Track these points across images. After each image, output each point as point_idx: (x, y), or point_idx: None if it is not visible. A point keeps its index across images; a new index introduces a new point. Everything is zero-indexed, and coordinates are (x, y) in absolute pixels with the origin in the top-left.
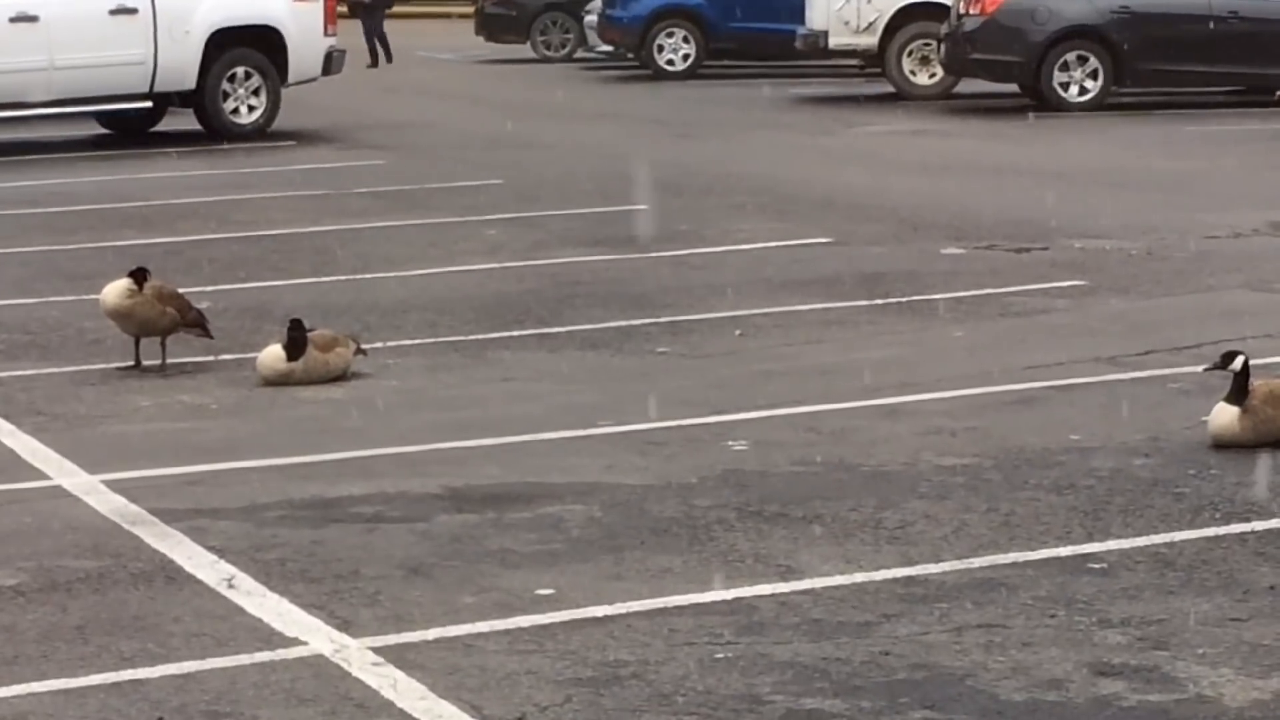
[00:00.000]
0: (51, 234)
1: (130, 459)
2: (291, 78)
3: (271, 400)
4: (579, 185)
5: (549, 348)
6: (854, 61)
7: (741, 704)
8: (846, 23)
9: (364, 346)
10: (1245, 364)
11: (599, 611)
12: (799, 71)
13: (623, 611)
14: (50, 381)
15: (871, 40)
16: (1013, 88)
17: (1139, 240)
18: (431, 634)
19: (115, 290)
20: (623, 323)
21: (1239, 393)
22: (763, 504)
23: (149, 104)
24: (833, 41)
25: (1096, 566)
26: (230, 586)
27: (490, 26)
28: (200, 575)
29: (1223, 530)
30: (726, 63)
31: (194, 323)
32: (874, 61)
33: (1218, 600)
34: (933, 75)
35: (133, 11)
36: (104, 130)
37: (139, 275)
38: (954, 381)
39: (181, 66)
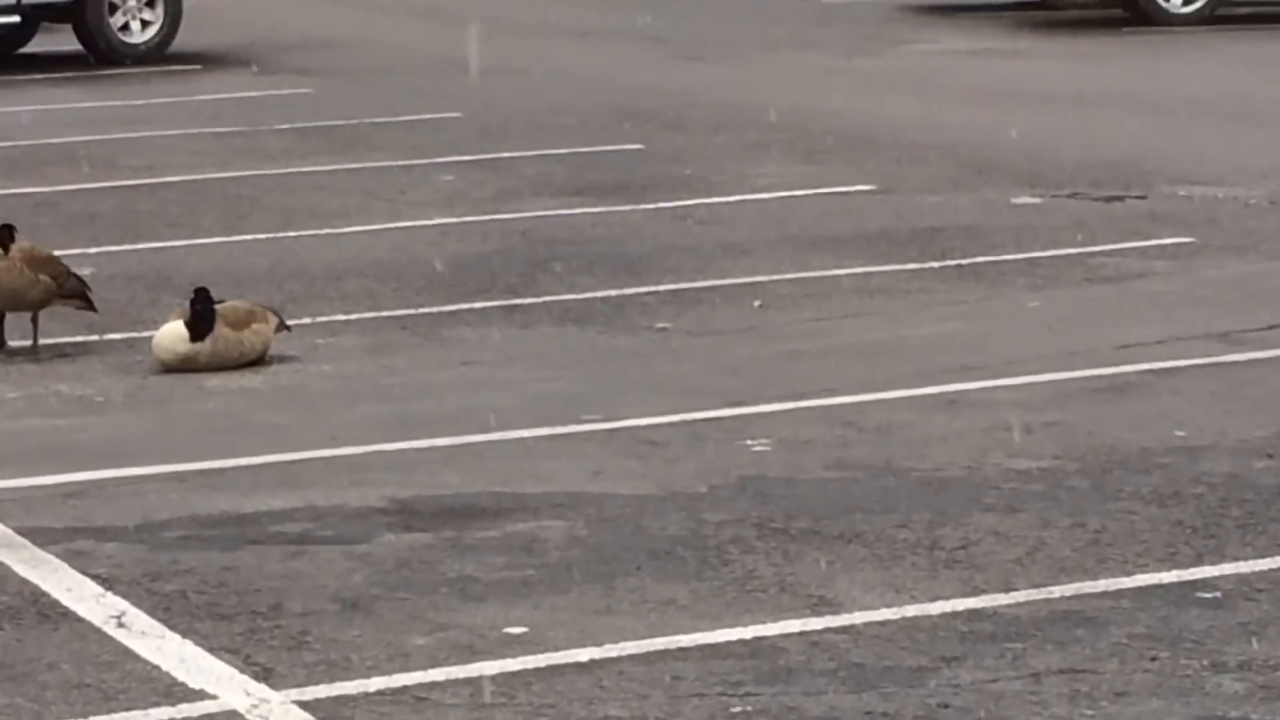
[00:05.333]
0: None
1: None
2: None
3: (171, 390)
4: (557, 119)
5: (520, 323)
6: None
7: None
8: None
9: (288, 322)
10: None
11: (584, 655)
12: None
13: (614, 655)
14: None
15: None
16: None
17: (1259, 186)
18: (373, 684)
19: None
20: (613, 292)
21: None
22: (789, 519)
23: (16, 19)
24: None
25: (1208, 596)
26: (120, 625)
27: None
28: (82, 611)
29: None
30: None
31: (73, 293)
32: None
33: None
34: None
35: None
36: None
37: (4, 234)
38: (1029, 364)
39: None
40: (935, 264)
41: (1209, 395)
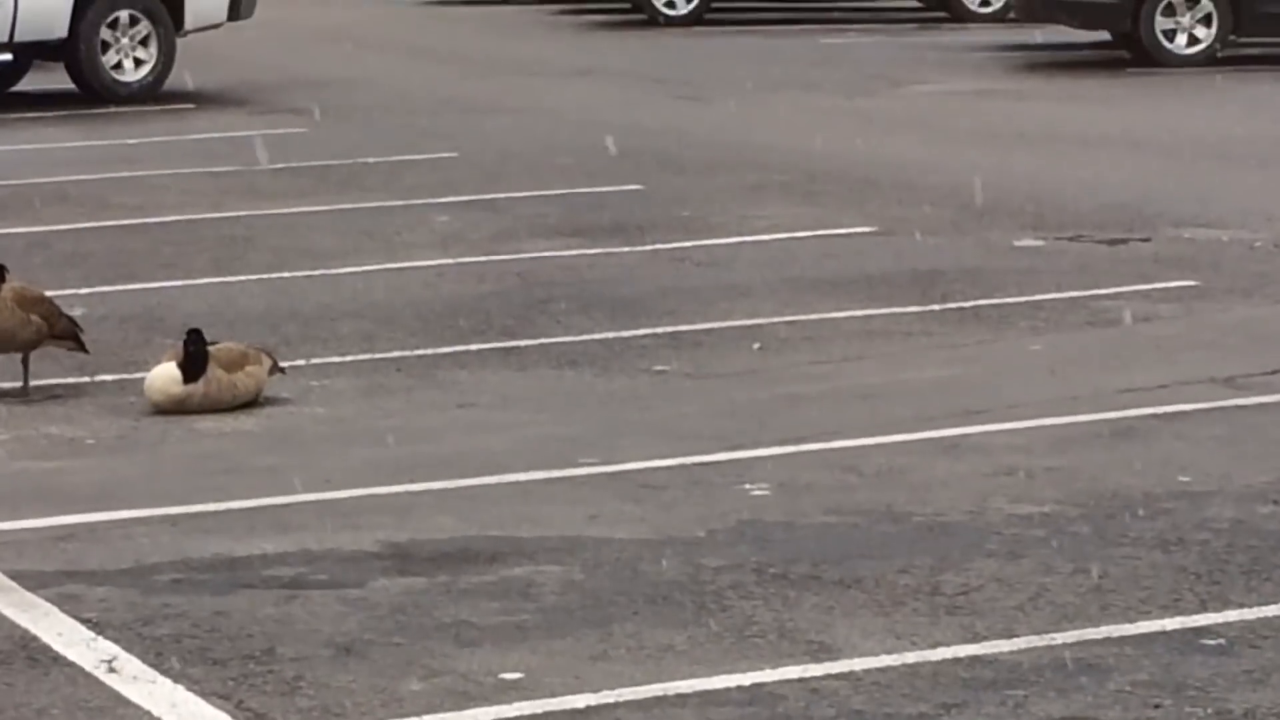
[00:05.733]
0: None
1: None
2: (189, 23)
3: (163, 433)
4: (554, 159)
5: (516, 366)
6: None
7: None
8: None
9: (281, 364)
10: None
11: (580, 701)
12: (833, 16)
13: (611, 701)
14: None
15: None
16: (1104, 36)
17: (1264, 230)
18: None
19: None
20: (610, 334)
21: None
22: (788, 564)
23: (8, 57)
24: None
25: (1212, 643)
26: (111, 670)
27: None
28: (73, 656)
29: None
30: (741, 4)
31: (64, 334)
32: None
33: None
34: None
35: None
36: None
37: None
38: (1031, 408)
39: (49, 10)
40: (936, 307)
41: (1213, 440)
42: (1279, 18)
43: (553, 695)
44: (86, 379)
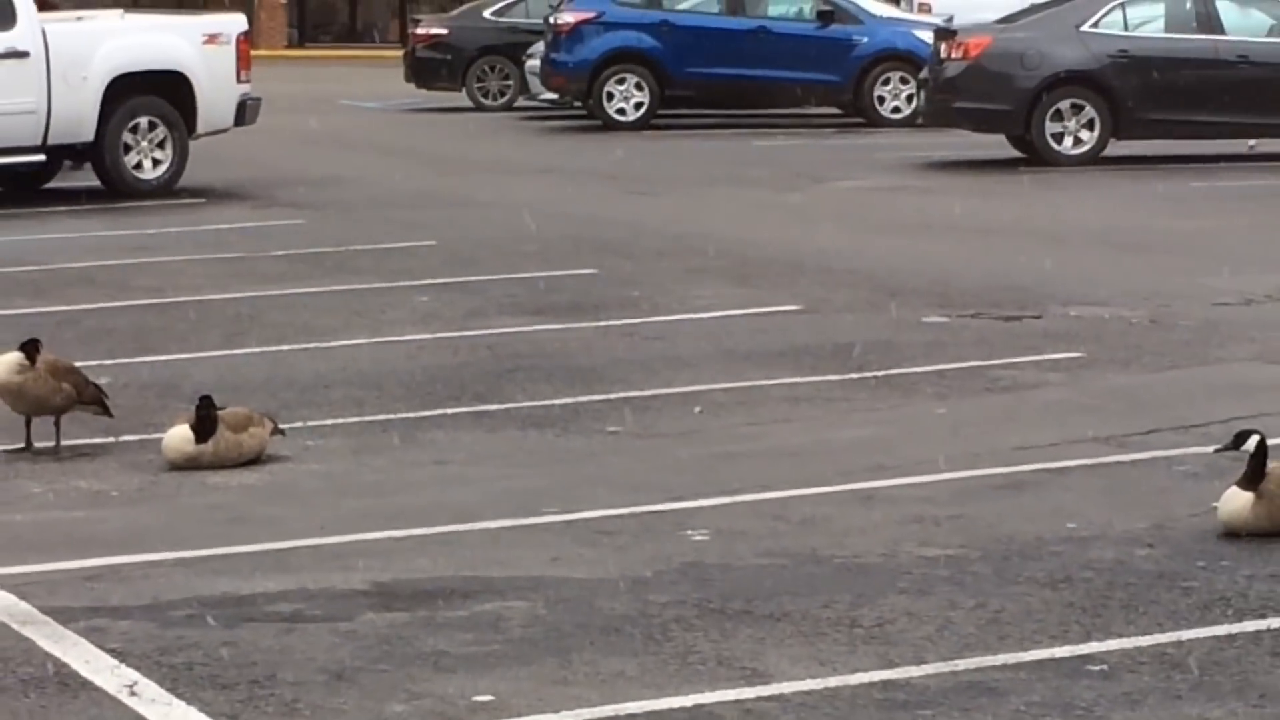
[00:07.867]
0: None
1: (20, 552)
2: (201, 128)
3: (178, 486)
4: (520, 247)
5: (487, 427)
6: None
7: None
8: None
9: (281, 426)
10: (1261, 444)
11: None
12: (764, 122)
13: None
14: None
15: None
16: (1000, 139)
17: (1141, 308)
18: None
19: (4, 365)
20: (569, 399)
21: (1253, 476)
22: (725, 600)
23: (42, 158)
24: None
25: (1096, 669)
26: (132, 694)
27: (421, 72)
28: (99, 681)
29: (1235, 628)
30: (684, 112)
31: (92, 400)
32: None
33: (1231, 706)
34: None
35: (23, 55)
36: None
37: (31, 348)
38: (936, 464)
39: (78, 116)
40: (854, 375)
41: (1097, 492)
42: (1152, 123)
43: (519, 716)
44: (111, 439)
